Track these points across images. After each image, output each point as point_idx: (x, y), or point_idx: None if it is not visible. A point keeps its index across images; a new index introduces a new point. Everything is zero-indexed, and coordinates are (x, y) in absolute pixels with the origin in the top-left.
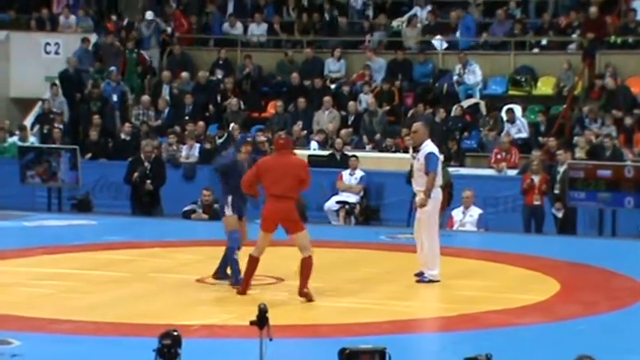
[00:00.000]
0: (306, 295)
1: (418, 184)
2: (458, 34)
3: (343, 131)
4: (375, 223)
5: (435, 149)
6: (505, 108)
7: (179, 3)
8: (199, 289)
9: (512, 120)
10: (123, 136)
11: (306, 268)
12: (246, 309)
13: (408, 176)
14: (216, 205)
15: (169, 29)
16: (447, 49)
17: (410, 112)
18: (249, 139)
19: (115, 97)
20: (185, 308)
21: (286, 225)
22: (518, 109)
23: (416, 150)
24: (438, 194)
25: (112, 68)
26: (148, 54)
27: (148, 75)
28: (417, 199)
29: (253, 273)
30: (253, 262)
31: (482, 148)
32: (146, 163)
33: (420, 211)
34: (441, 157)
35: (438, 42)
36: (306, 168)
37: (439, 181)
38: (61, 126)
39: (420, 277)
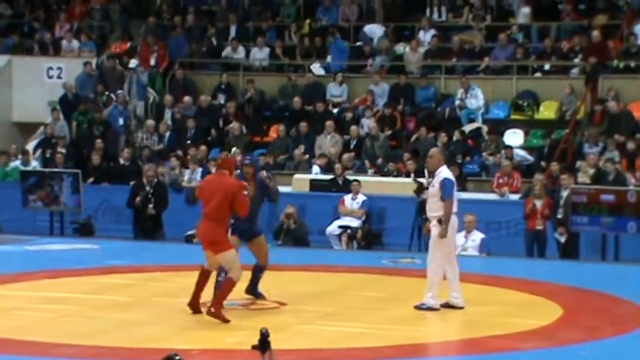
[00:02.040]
0: (212, 315)
1: (432, 210)
2: (329, 58)
3: (345, 155)
4: (377, 248)
5: (450, 175)
6: (507, 144)
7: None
8: (201, 313)
9: (510, 157)
10: (122, 161)
11: (223, 288)
12: (248, 333)
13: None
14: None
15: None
16: (448, 73)
17: (413, 137)
18: (247, 161)
19: (121, 121)
20: (186, 332)
21: (210, 245)
22: (520, 137)
23: (431, 175)
24: (453, 222)
25: (119, 91)
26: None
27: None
28: (431, 225)
29: (203, 286)
30: (204, 274)
31: (485, 172)
32: (148, 188)
33: (434, 239)
34: None
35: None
36: (237, 191)
37: (454, 208)
38: (64, 150)
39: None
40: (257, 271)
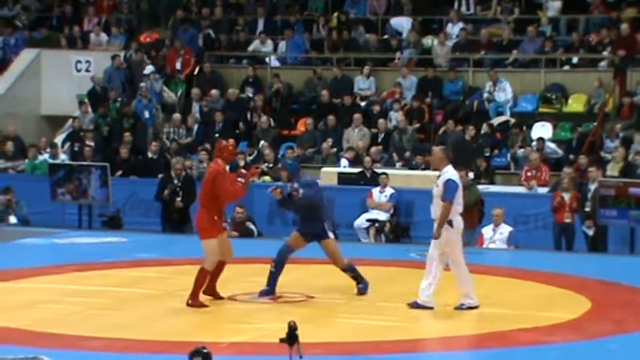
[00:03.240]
0: (191, 306)
1: (437, 211)
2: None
3: (373, 149)
4: (405, 241)
5: (455, 176)
6: (535, 137)
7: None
8: (229, 307)
9: (541, 148)
10: (150, 154)
11: (197, 278)
12: (275, 326)
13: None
14: (247, 223)
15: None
16: (477, 66)
17: (441, 130)
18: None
19: (146, 114)
20: (215, 325)
21: (198, 231)
22: (549, 130)
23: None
24: (458, 223)
25: (142, 84)
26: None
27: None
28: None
29: (216, 276)
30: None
31: (515, 164)
32: (176, 181)
33: (443, 242)
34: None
35: None
36: (215, 176)
37: (459, 208)
38: (92, 143)
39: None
40: (346, 272)
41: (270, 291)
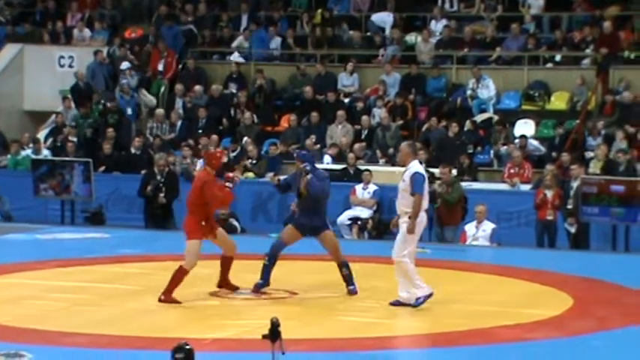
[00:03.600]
0: (163, 302)
1: (402, 205)
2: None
3: (356, 145)
4: (388, 237)
5: (420, 169)
6: (518, 135)
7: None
8: (212, 302)
9: (524, 146)
10: (133, 150)
11: (174, 276)
12: (258, 322)
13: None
14: (231, 219)
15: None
16: (460, 63)
17: (424, 127)
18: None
19: (129, 110)
20: (198, 321)
21: (185, 233)
22: (531, 127)
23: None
24: (422, 218)
25: (124, 81)
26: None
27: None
28: (401, 221)
29: (226, 271)
30: (223, 261)
31: (498, 161)
32: (159, 177)
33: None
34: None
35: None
36: (204, 182)
37: (425, 204)
38: (75, 139)
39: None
40: (340, 268)
41: (263, 284)
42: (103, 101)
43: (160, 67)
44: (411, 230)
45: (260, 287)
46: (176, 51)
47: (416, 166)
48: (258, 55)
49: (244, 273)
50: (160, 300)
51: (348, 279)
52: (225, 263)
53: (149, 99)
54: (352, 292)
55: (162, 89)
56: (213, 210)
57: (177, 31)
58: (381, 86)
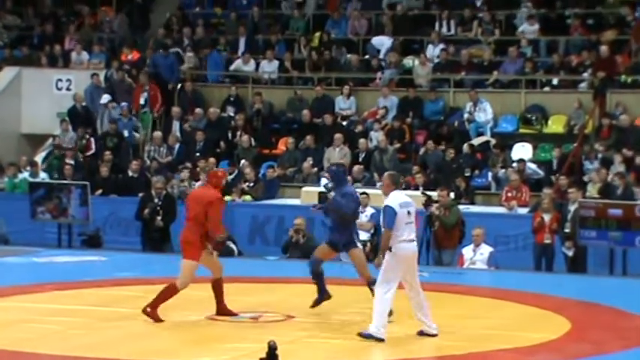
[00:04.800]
0: (147, 314)
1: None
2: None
3: (355, 167)
4: None
5: (394, 202)
6: (516, 158)
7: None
8: (209, 326)
9: (522, 169)
10: (130, 173)
11: (164, 291)
12: (256, 346)
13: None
14: (228, 242)
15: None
16: (457, 86)
17: (421, 150)
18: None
19: (126, 133)
20: (195, 345)
21: (182, 250)
22: (529, 150)
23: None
24: (399, 250)
25: (123, 104)
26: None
27: None
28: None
29: (220, 296)
30: (214, 284)
31: (496, 184)
32: (156, 200)
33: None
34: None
35: None
36: (212, 202)
37: (402, 235)
38: (72, 162)
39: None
40: (368, 286)
41: (321, 299)
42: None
43: (142, 101)
44: (377, 265)
45: (318, 302)
46: (172, 79)
47: (390, 199)
48: (213, 77)
49: (243, 296)
50: (143, 310)
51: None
52: (217, 289)
53: (135, 136)
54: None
55: (149, 127)
56: (206, 229)
57: (172, 60)
58: (381, 110)
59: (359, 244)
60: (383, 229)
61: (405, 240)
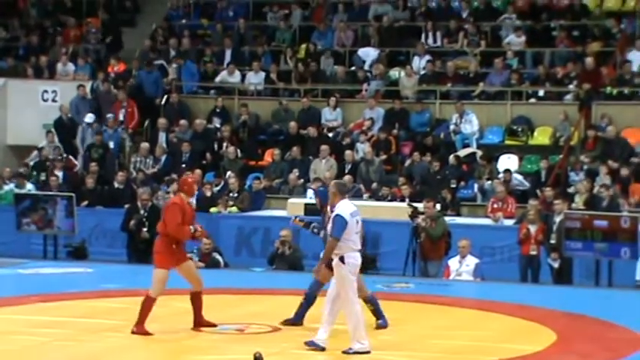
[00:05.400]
0: (136, 333)
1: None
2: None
3: (346, 177)
4: (372, 272)
5: (344, 211)
6: (502, 169)
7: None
8: (195, 338)
9: (509, 180)
10: (116, 184)
11: (142, 306)
12: (242, 357)
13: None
14: (214, 254)
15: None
16: (443, 98)
17: (407, 161)
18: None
19: (111, 144)
20: (180, 357)
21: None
22: (515, 162)
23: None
24: (352, 259)
25: (109, 115)
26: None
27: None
28: (333, 264)
29: (198, 308)
30: (193, 297)
31: (482, 195)
32: (142, 211)
33: (334, 277)
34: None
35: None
36: (167, 208)
37: (351, 245)
38: (59, 173)
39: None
40: (365, 303)
41: (295, 321)
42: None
43: (121, 117)
44: (316, 271)
45: (291, 323)
46: (157, 94)
47: (340, 208)
48: (187, 87)
49: (229, 307)
50: (132, 332)
51: (377, 314)
52: (196, 302)
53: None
54: (382, 326)
55: (122, 142)
56: (175, 236)
57: (156, 75)
58: (368, 122)
59: None
60: (329, 238)
61: (354, 249)
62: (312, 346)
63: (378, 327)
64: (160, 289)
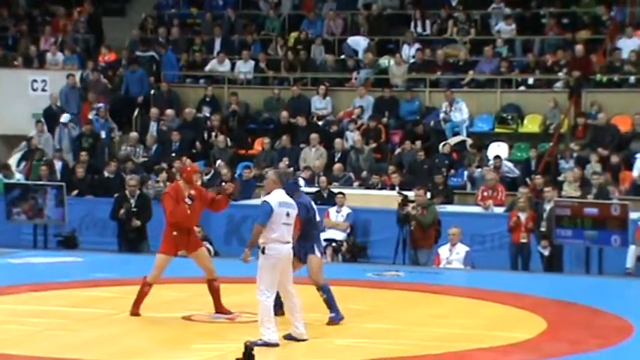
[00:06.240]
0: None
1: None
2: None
3: (336, 166)
4: (362, 260)
5: (273, 199)
6: (492, 156)
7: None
8: (185, 327)
9: (499, 166)
10: (107, 174)
11: (140, 289)
12: (232, 346)
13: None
14: (204, 243)
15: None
16: (433, 86)
17: (397, 150)
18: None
19: (103, 134)
20: (171, 345)
21: None
22: (504, 150)
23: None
24: (272, 250)
25: (100, 105)
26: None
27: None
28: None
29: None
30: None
31: (471, 184)
32: (132, 200)
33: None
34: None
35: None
36: (164, 194)
37: (278, 236)
38: (48, 162)
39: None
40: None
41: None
42: (44, 158)
43: (90, 116)
44: (244, 258)
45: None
46: (142, 93)
47: (271, 196)
48: (170, 76)
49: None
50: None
51: (330, 305)
52: (211, 290)
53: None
54: (332, 321)
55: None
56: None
57: (140, 74)
58: (357, 110)
59: (317, 252)
60: (255, 224)
61: (279, 241)
62: (290, 339)
63: (330, 322)
64: (155, 275)
